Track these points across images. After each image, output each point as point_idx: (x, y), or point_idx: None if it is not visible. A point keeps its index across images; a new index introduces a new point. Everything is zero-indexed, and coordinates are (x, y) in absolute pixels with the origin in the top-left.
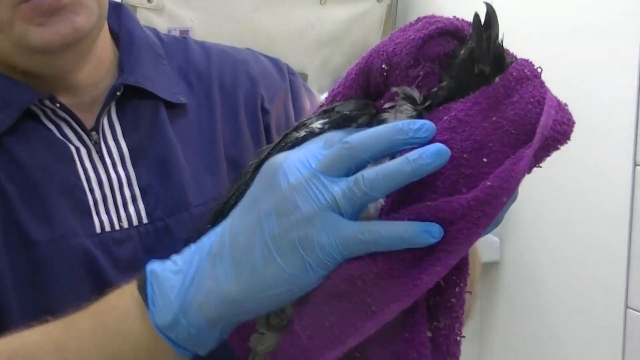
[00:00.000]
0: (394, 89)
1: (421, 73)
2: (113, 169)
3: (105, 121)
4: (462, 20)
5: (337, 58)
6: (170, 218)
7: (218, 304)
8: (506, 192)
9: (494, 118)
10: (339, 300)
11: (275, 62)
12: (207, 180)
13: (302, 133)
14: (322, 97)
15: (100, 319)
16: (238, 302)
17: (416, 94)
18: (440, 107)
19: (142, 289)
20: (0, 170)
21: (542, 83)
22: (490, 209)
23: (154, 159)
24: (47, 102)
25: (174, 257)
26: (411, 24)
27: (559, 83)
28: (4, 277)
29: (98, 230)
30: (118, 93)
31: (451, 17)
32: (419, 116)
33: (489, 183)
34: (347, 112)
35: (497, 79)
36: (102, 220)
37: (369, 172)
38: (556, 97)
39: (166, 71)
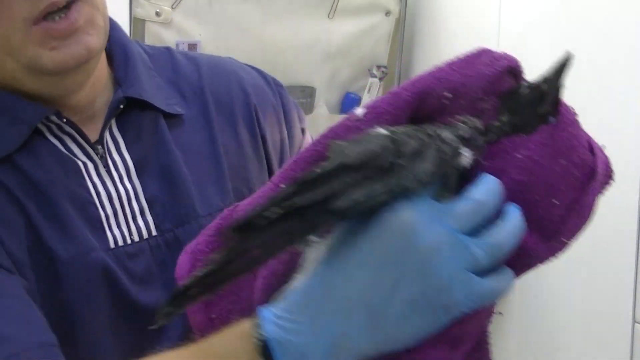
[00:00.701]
0: (460, 118)
1: (487, 106)
2: (120, 182)
3: (107, 135)
4: (515, 57)
5: (345, 71)
6: (179, 229)
7: (348, 357)
8: (575, 241)
9: (563, 162)
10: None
11: (261, 73)
12: (211, 190)
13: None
14: (359, 111)
15: None
16: (368, 354)
17: (480, 126)
18: (503, 140)
19: (266, 356)
20: (17, 188)
21: (580, 124)
22: (558, 255)
23: (159, 170)
24: (54, 118)
25: (282, 308)
26: (475, 57)
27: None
28: (32, 294)
29: (112, 245)
30: (121, 106)
31: (503, 52)
32: (483, 148)
33: (564, 239)
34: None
35: (552, 119)
36: (115, 234)
37: (504, 236)
38: (594, 140)
39: (158, 82)
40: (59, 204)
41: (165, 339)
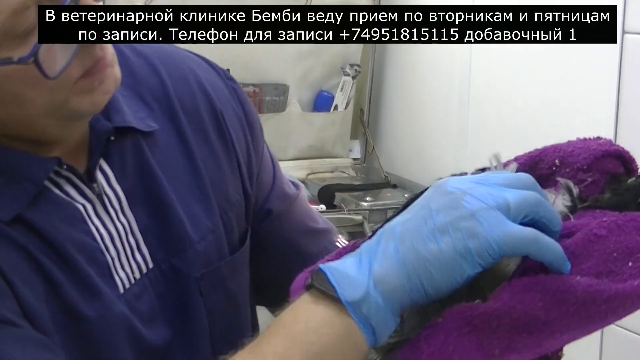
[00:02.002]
0: (560, 179)
1: (589, 179)
2: (116, 218)
3: (97, 170)
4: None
5: (318, 69)
6: (175, 258)
7: (391, 275)
8: None
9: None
10: (469, 334)
11: (211, 65)
12: (198, 211)
13: None
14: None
15: (288, 330)
16: (406, 276)
17: (575, 191)
18: (596, 210)
19: (324, 282)
20: (36, 249)
21: None
22: (631, 304)
23: (148, 198)
24: (55, 166)
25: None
26: (594, 139)
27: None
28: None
29: (121, 289)
30: (112, 138)
31: (623, 147)
32: (574, 208)
33: (636, 282)
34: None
35: None
36: (122, 277)
37: (527, 193)
38: None
39: (123, 93)
40: (73, 259)
41: None
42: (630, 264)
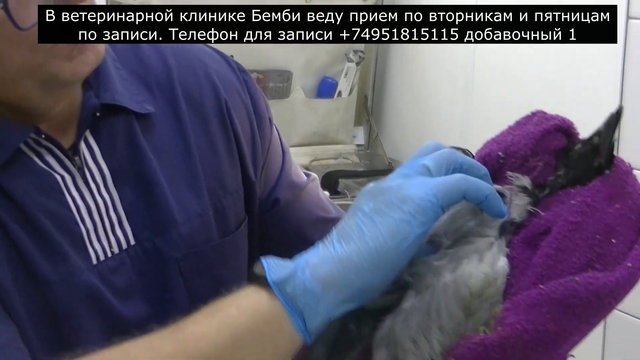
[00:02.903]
0: (508, 174)
1: (540, 164)
2: (97, 192)
3: (82, 144)
4: (568, 119)
5: (322, 56)
6: (158, 238)
7: (328, 263)
8: None
9: (617, 205)
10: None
11: (224, 57)
12: (187, 195)
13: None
14: None
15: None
16: (345, 260)
17: (526, 182)
18: (560, 192)
19: (258, 267)
20: (1, 210)
21: (634, 175)
22: (629, 286)
23: (135, 178)
24: (33, 134)
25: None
26: (528, 118)
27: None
28: (21, 318)
29: (94, 261)
30: (98, 114)
31: (558, 115)
32: (536, 200)
33: (629, 264)
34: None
35: (607, 172)
36: (96, 249)
37: (442, 151)
38: None
39: (124, 77)
40: (42, 224)
41: None
42: (613, 240)
